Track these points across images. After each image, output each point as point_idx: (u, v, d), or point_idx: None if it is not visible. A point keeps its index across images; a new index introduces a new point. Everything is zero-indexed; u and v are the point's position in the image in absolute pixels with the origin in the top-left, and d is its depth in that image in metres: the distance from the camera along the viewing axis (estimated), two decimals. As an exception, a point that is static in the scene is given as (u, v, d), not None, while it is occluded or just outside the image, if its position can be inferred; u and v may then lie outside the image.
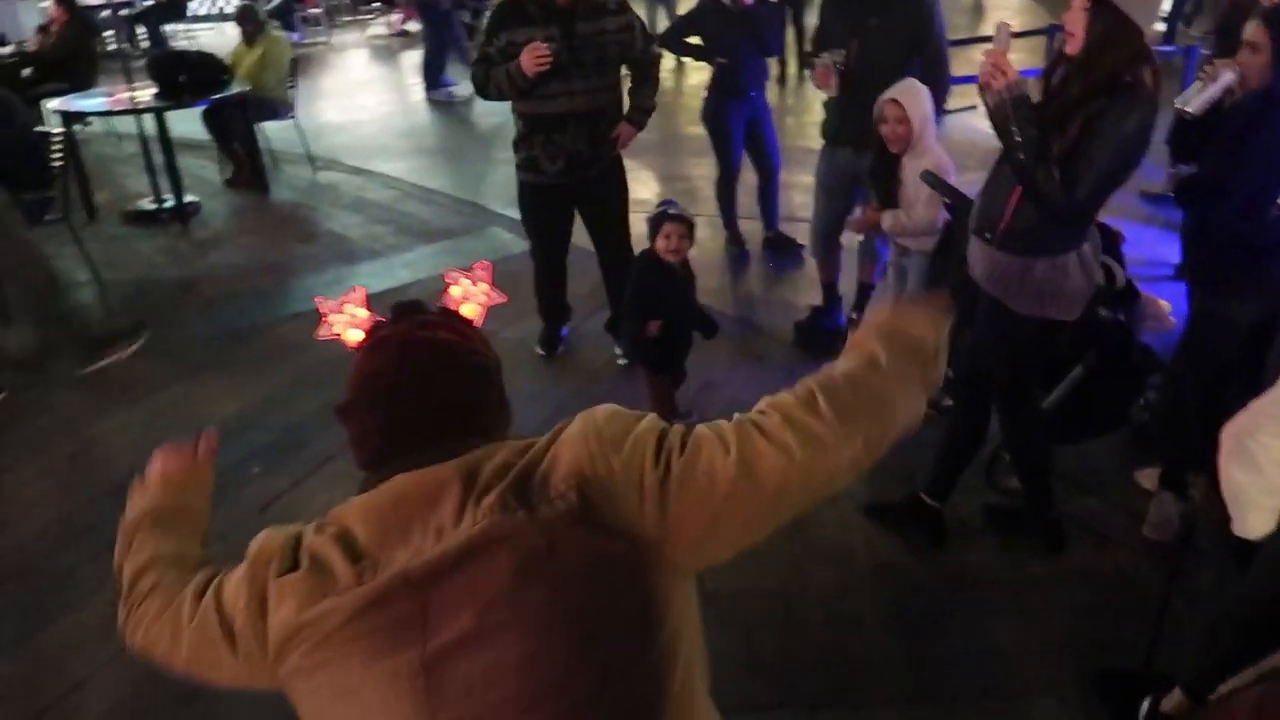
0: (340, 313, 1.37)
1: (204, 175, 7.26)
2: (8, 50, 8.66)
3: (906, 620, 2.75)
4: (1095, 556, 2.96)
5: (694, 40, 5.20)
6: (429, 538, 1.10)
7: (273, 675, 1.16)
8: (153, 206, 6.52)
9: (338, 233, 6.15)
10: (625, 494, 1.09)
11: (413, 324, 1.24)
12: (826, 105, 4.20)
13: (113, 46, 10.82)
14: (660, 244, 3.42)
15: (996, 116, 2.41)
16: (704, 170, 6.18)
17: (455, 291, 1.42)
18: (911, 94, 3.48)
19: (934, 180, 3.25)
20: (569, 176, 3.88)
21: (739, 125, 5.19)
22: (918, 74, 3.70)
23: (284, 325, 4.79)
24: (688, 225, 3.44)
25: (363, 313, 1.36)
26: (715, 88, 5.18)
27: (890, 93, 3.49)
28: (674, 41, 5.21)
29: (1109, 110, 2.35)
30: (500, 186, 6.54)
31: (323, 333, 1.38)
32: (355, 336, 1.32)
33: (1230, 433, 1.72)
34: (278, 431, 3.79)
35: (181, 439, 1.61)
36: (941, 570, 2.93)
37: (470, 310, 1.40)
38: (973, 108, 3.25)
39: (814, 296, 4.59)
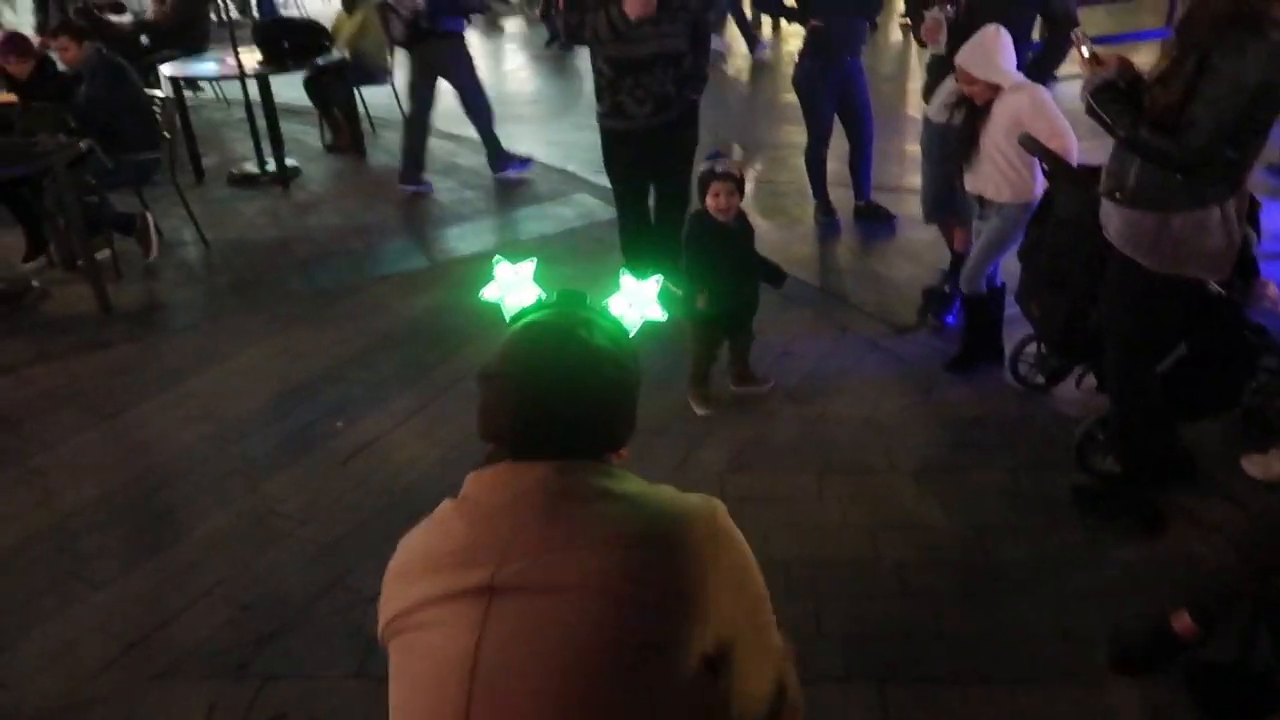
0: (511, 279, 1.40)
1: (305, 140, 7.48)
2: (127, 19, 9.04)
3: (983, 597, 2.65)
4: (1193, 544, 2.80)
5: (789, 1, 5.08)
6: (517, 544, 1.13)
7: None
8: (256, 170, 6.75)
9: (429, 197, 6.26)
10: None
11: (575, 320, 1.25)
12: (929, 68, 4.04)
13: (233, 15, 11.18)
14: (710, 202, 3.37)
15: (1089, 114, 2.51)
16: (794, 138, 6.05)
17: (623, 295, 1.43)
18: (969, 52, 3.36)
19: (1032, 144, 3.10)
20: (655, 119, 3.95)
21: (830, 91, 5.05)
22: (1031, 30, 3.52)
23: (373, 286, 4.91)
24: (736, 181, 3.37)
25: (530, 285, 1.38)
26: (808, 51, 5.05)
27: (956, 59, 3.39)
28: (769, 1, 5.08)
29: (1220, 45, 2.20)
30: (588, 152, 6.54)
31: (489, 292, 1.40)
32: (515, 306, 1.33)
33: None
34: (362, 387, 3.89)
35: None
36: (1023, 549, 2.82)
37: (631, 317, 1.40)
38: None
39: (904, 268, 4.46)
